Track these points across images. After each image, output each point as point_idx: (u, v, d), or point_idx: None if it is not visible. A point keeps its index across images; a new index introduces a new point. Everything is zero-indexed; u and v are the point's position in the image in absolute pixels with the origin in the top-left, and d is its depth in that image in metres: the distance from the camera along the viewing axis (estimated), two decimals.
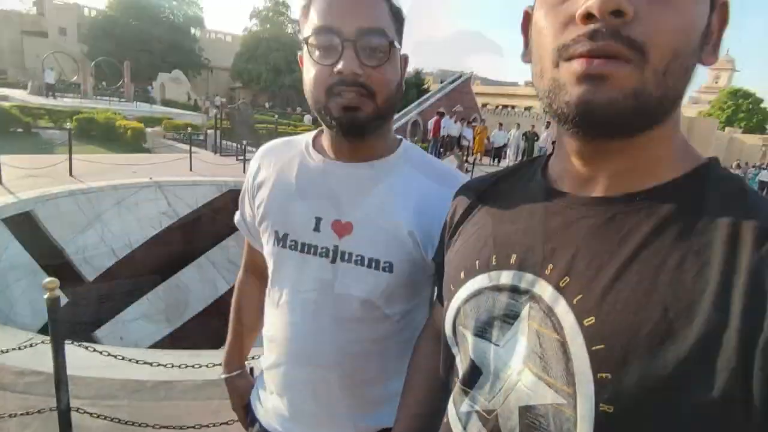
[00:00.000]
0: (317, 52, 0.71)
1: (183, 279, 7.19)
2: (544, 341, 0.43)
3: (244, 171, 8.47)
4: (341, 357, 0.80)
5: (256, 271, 0.99)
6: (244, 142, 9.40)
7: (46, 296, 1.64)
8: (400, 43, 0.75)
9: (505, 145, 15.26)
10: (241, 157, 9.46)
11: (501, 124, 16.87)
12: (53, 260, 5.59)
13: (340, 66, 0.68)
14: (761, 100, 46.30)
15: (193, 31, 48.95)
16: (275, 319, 0.86)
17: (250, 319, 1.03)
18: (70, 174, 6.67)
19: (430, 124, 14.09)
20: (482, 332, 0.49)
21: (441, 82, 63.67)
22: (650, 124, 0.42)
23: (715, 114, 39.80)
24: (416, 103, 33.42)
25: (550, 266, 0.45)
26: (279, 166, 0.86)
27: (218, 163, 9.03)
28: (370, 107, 0.72)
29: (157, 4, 45.37)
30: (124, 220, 6.54)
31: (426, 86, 47.11)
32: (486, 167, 11.48)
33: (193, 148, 12.17)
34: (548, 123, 17.53)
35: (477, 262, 0.52)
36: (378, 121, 0.75)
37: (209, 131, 13.87)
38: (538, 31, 0.44)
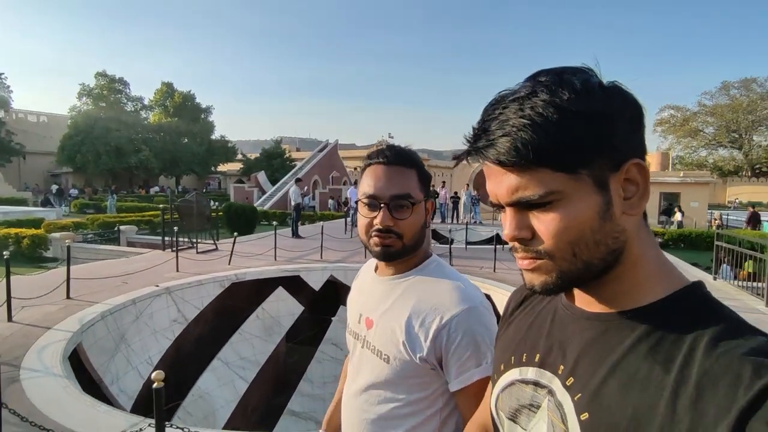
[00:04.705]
0: (365, 209, 1.00)
1: (203, 387, 6.66)
2: (556, 430, 0.54)
3: (229, 263, 8.26)
4: (362, 424, 1.01)
5: None
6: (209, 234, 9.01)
7: (154, 386, 2.22)
8: (427, 195, 1.03)
9: None
10: (210, 249, 9.07)
11: None
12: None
13: (377, 220, 0.97)
14: None
15: None
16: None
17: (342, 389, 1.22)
18: (68, 296, 5.85)
19: (350, 193, 15.18)
20: (514, 417, 0.62)
21: (297, 149, 65.05)
22: (599, 275, 0.53)
23: None
24: (291, 173, 34.16)
25: (561, 367, 0.56)
26: (361, 276, 1.19)
27: (192, 258, 8.55)
28: (399, 245, 0.98)
29: None
30: (142, 335, 5.96)
31: (287, 155, 48.20)
32: None
33: (129, 248, 10.99)
34: (443, 183, 20.23)
35: (513, 357, 0.65)
36: (408, 252, 1.01)
37: (122, 227, 12.56)
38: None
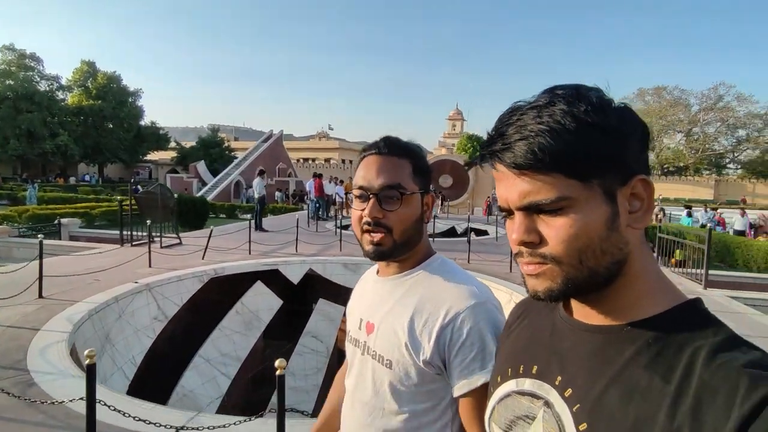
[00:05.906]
0: (357, 201, 0.96)
1: (186, 386, 6.46)
2: None
3: (203, 257, 7.97)
4: None
5: None
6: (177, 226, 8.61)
7: (277, 373, 2.35)
8: (425, 188, 0.97)
9: None
10: (174, 243, 8.67)
11: None
12: None
13: (366, 212, 0.92)
14: None
15: None
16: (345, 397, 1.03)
17: (335, 403, 1.14)
18: (40, 295, 5.41)
19: (309, 185, 15.05)
20: (509, 429, 0.61)
21: (235, 139, 62.35)
22: (601, 286, 0.54)
23: (460, 154, 51.21)
24: (234, 163, 32.86)
25: (559, 378, 0.57)
26: (361, 283, 1.12)
27: (160, 253, 8.11)
28: (389, 241, 0.92)
29: None
30: (125, 334, 5.67)
31: (226, 145, 46.13)
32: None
33: (75, 243, 10.16)
34: None
35: (510, 369, 0.65)
36: (399, 249, 0.94)
37: (63, 220, 11.54)
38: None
